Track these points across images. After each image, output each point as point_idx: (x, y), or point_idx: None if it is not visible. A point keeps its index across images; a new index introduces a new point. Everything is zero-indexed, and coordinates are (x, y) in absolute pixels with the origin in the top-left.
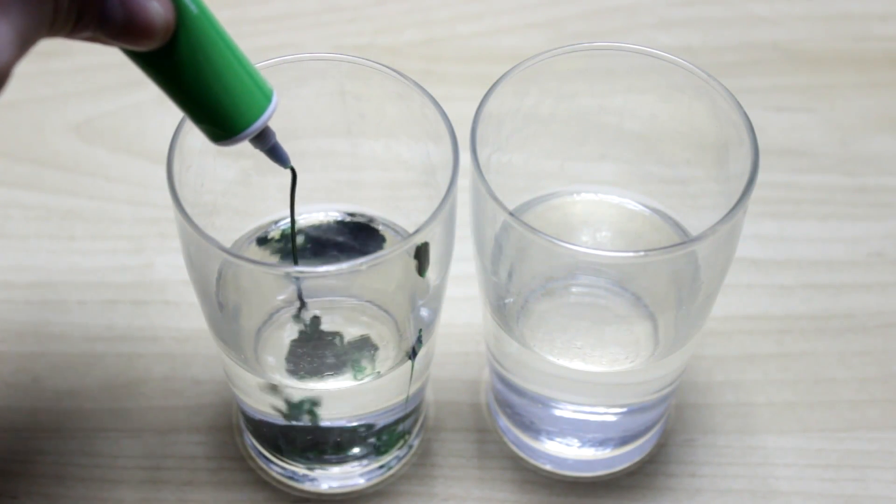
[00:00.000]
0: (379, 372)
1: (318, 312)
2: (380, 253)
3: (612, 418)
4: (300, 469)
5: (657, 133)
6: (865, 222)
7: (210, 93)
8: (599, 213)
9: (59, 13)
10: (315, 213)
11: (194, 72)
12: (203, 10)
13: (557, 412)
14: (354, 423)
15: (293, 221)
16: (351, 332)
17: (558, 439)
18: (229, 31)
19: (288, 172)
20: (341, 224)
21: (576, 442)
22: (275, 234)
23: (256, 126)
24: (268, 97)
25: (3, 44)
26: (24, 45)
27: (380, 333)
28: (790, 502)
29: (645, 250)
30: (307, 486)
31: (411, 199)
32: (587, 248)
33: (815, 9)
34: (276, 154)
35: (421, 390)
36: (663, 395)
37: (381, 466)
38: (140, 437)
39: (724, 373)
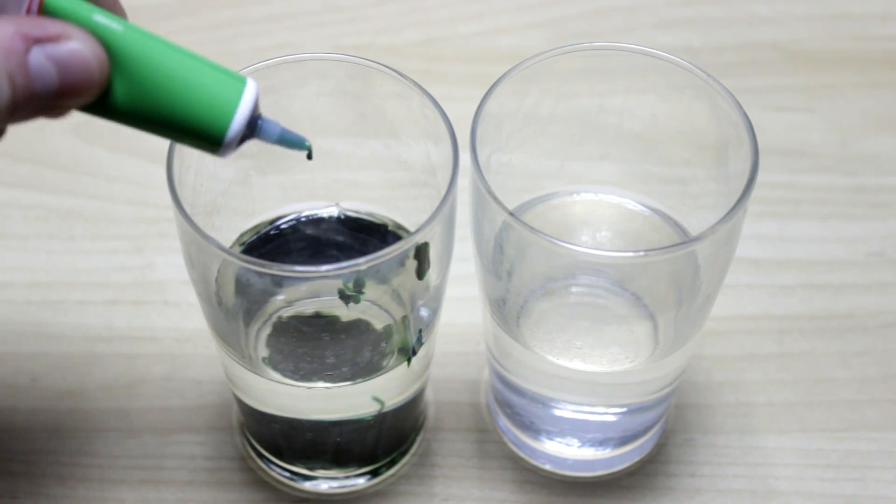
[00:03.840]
0: (379, 372)
1: (317, 312)
2: (380, 253)
3: (612, 418)
4: (300, 469)
5: (657, 133)
6: (865, 222)
7: (175, 104)
8: (599, 213)
9: None
10: (315, 213)
11: (145, 99)
12: (129, 26)
13: (557, 412)
14: (354, 423)
15: None
16: (351, 332)
17: (558, 439)
18: (229, 31)
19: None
20: (341, 224)
21: (576, 442)
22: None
23: (239, 118)
24: (239, 90)
25: None
26: None
27: (379, 333)
28: (790, 502)
29: (645, 250)
30: (307, 487)
31: (411, 199)
32: (587, 248)
33: (815, 9)
34: (289, 141)
35: (421, 390)
36: (663, 395)
37: (381, 466)
38: (140, 437)
39: (724, 373)
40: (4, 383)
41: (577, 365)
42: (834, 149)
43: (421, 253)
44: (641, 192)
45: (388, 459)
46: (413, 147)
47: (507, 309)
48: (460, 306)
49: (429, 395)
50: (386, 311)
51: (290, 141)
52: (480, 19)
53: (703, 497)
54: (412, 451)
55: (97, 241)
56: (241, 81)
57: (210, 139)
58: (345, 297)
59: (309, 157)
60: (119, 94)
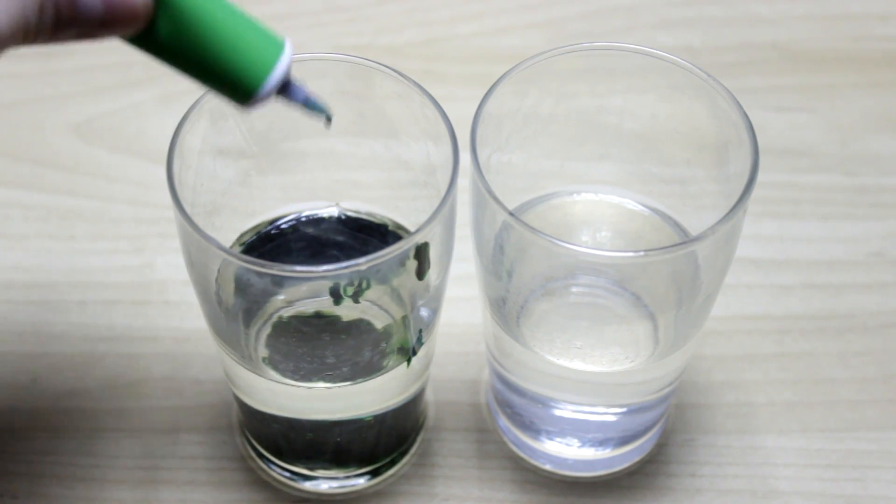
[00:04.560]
0: (379, 372)
1: (317, 312)
2: (380, 253)
3: (612, 418)
4: (300, 469)
5: (657, 133)
6: (865, 222)
7: (212, 56)
8: (599, 213)
9: (32, 19)
10: (315, 213)
11: (189, 40)
12: None
13: (557, 412)
14: (354, 423)
15: None
16: (351, 332)
17: (558, 439)
18: None
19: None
20: (341, 224)
21: (576, 442)
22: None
23: (274, 78)
24: (279, 46)
25: None
26: None
27: (379, 333)
28: (790, 502)
29: (645, 250)
30: (307, 486)
31: (411, 199)
32: (587, 248)
33: (815, 9)
34: (312, 105)
35: (421, 390)
36: (663, 395)
37: (381, 466)
38: (140, 437)
39: (724, 373)
40: (4, 383)
41: (577, 365)
42: (834, 149)
43: (421, 253)
44: (641, 192)
45: (388, 459)
46: (413, 147)
47: (507, 309)
48: (460, 306)
49: (429, 395)
50: (386, 311)
51: (313, 105)
52: (480, 19)
53: (703, 497)
54: (412, 451)
55: (97, 241)
56: (281, 45)
57: (243, 92)
58: (336, 297)
59: (328, 119)
60: (163, 32)
